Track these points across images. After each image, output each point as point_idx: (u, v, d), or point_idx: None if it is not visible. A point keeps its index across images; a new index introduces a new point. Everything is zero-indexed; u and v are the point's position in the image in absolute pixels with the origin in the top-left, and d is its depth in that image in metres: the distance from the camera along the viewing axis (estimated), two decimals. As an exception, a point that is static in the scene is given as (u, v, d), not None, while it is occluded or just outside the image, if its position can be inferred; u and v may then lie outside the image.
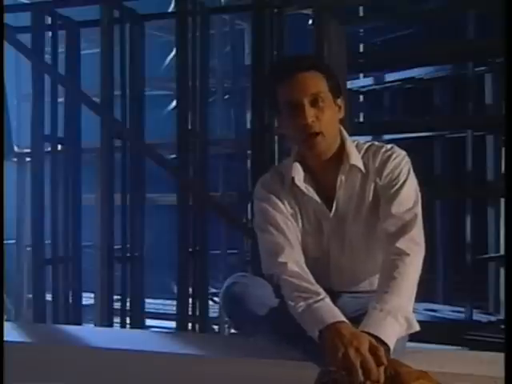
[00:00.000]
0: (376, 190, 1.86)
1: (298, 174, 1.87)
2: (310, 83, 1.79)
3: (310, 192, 1.88)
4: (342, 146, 1.86)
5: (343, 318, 1.63)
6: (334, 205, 1.87)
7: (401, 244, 1.75)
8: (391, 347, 1.61)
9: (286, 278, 1.76)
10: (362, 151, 1.88)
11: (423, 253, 1.78)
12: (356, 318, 1.68)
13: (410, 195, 1.82)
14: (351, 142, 1.88)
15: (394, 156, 1.85)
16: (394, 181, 1.83)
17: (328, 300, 1.70)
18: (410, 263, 1.73)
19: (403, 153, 1.88)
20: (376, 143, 1.93)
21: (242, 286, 1.83)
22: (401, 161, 1.85)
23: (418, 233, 1.79)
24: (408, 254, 1.73)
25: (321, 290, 1.72)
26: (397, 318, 1.64)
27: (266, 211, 1.88)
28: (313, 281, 1.76)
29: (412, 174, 1.85)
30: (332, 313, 1.65)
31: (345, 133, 1.89)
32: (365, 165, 1.86)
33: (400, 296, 1.67)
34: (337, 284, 1.94)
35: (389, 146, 1.90)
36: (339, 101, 1.85)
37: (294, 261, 1.80)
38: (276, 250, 1.83)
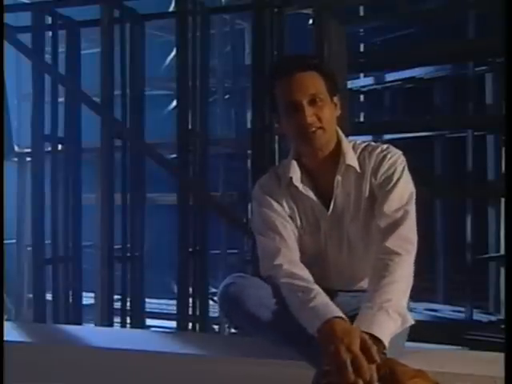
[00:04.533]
0: (372, 189, 1.87)
1: (296, 173, 1.90)
2: (309, 84, 1.82)
3: (308, 191, 1.90)
4: (339, 146, 1.88)
5: (339, 313, 1.63)
6: (332, 204, 1.89)
7: (390, 243, 1.75)
8: (386, 343, 1.60)
9: (281, 281, 1.78)
10: (358, 151, 1.90)
11: (415, 250, 1.78)
12: (355, 316, 1.67)
13: (402, 193, 1.83)
14: (347, 142, 1.91)
15: (389, 156, 1.87)
16: (387, 179, 1.84)
17: (323, 296, 1.70)
18: (400, 261, 1.73)
19: (399, 152, 1.89)
20: (372, 143, 1.95)
21: (239, 287, 1.84)
22: (396, 160, 1.86)
23: (407, 230, 1.79)
24: (398, 253, 1.74)
25: (315, 287, 1.73)
26: (388, 312, 1.63)
27: (263, 214, 1.91)
28: (307, 277, 1.77)
29: (406, 172, 1.86)
30: (327, 309, 1.65)
31: (341, 133, 1.91)
32: (360, 165, 1.87)
33: (390, 293, 1.67)
34: (336, 283, 1.94)
35: (384, 146, 1.91)
36: (335, 99, 1.88)
37: (289, 262, 1.81)
38: (272, 253, 1.84)
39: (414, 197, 1.85)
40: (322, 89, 1.83)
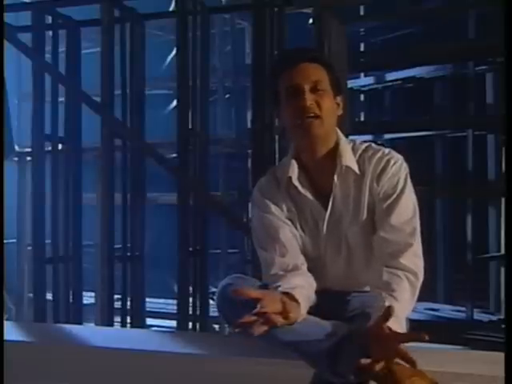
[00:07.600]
0: (372, 194, 1.83)
1: (295, 173, 1.86)
2: (312, 72, 1.80)
3: (306, 191, 1.86)
4: (337, 146, 1.84)
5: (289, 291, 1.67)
6: (330, 205, 1.85)
7: (405, 259, 1.74)
8: None
9: (272, 285, 1.76)
10: (359, 152, 1.85)
11: (423, 265, 1.77)
12: (354, 317, 1.68)
13: (408, 204, 1.80)
14: (347, 143, 1.86)
15: (392, 162, 1.82)
16: (392, 189, 1.80)
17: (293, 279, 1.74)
18: (411, 280, 1.72)
19: (401, 158, 1.84)
20: (373, 145, 1.89)
21: (236, 288, 1.83)
22: (399, 167, 1.82)
23: (419, 246, 1.78)
24: (412, 271, 1.72)
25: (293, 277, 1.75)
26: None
27: (263, 220, 1.88)
28: (300, 283, 1.74)
29: (409, 182, 1.83)
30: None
31: (340, 133, 1.87)
32: (359, 166, 1.83)
33: (398, 302, 1.65)
34: (335, 284, 1.91)
35: (386, 150, 1.86)
36: (338, 98, 1.85)
37: (284, 269, 1.80)
38: (268, 264, 1.83)
39: (418, 209, 1.82)
40: (325, 79, 1.80)
